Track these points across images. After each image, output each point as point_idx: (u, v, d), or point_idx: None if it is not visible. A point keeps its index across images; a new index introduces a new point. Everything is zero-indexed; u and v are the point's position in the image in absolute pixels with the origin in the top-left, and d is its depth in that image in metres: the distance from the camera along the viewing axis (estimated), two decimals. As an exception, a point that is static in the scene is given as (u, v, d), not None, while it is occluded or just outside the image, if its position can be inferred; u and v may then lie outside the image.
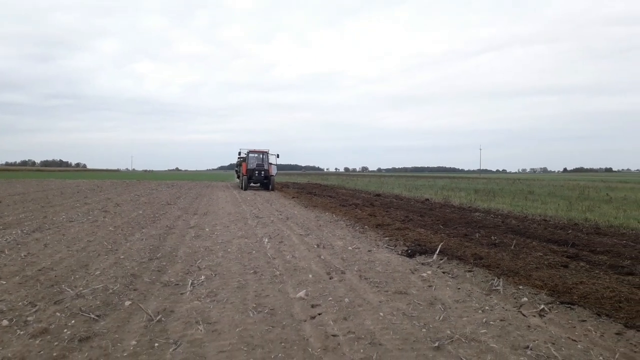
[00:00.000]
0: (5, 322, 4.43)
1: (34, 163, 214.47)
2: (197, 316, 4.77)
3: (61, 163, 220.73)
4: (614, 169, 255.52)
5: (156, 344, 4.02)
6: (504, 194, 26.69)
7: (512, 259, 7.71)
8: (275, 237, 10.03)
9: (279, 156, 32.96)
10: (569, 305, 5.22)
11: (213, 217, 13.84)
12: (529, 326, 4.61)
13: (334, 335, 4.28)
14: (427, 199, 23.01)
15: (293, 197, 23.42)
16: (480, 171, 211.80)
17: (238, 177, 36.90)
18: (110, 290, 5.59)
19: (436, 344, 4.06)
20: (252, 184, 32.01)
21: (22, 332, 4.20)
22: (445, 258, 7.82)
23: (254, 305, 5.13)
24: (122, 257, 7.64)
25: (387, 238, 10.18)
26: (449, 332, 4.39)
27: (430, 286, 6.10)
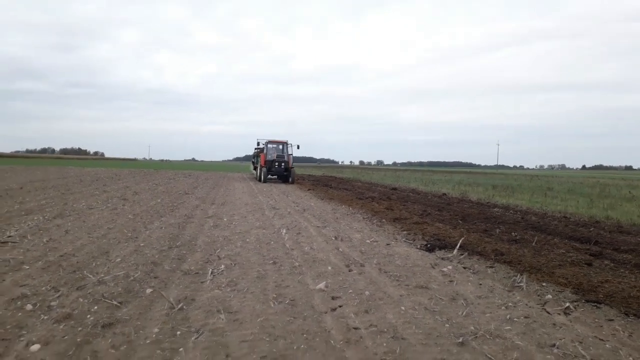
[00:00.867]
0: (29, 307, 4.48)
1: (53, 151, 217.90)
2: (218, 305, 4.77)
3: (80, 151, 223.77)
4: (634, 167, 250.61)
5: (178, 332, 4.02)
6: (523, 190, 26.35)
7: (533, 256, 7.58)
8: (292, 228, 10.01)
9: (300, 147, 31.26)
10: (595, 303, 5.11)
11: (230, 208, 13.88)
12: (554, 324, 4.51)
13: (355, 328, 4.24)
14: (444, 194, 22.82)
15: (309, 190, 23.39)
16: (497, 167, 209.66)
17: (255, 168, 35.64)
18: (132, 278, 5.62)
19: (460, 340, 4.00)
20: (270, 176, 30.15)
21: (46, 317, 4.24)
22: (466, 253, 7.72)
23: (275, 296, 5.12)
24: (142, 244, 7.69)
25: (405, 232, 10.09)
26: (472, 328, 4.32)
27: (451, 281, 6.02)
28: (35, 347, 3.59)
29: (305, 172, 55.21)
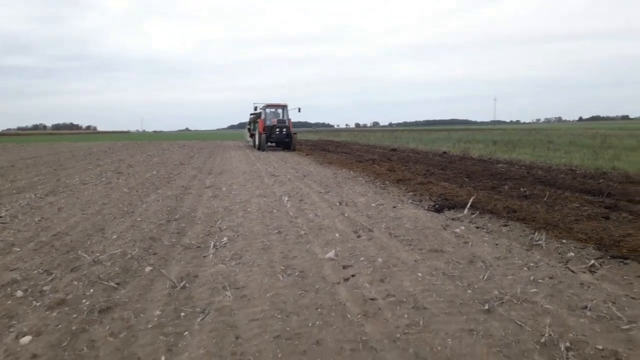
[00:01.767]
0: (19, 293, 4.16)
1: (45, 127, 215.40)
2: (224, 281, 4.46)
3: (72, 126, 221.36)
4: (631, 117, 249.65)
5: (182, 314, 3.73)
6: (524, 145, 25.97)
7: (547, 212, 7.29)
8: (294, 195, 9.68)
9: (301, 110, 29.81)
10: (621, 259, 4.83)
11: (228, 176, 13.52)
12: (581, 284, 4.24)
13: (372, 299, 3.95)
14: (444, 152, 22.46)
15: (307, 155, 22.98)
16: (494, 122, 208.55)
17: (251, 135, 32.86)
18: (129, 256, 5.30)
19: (486, 307, 3.72)
20: (270, 144, 27.75)
21: (38, 304, 3.93)
22: (477, 212, 7.42)
23: (282, 268, 4.81)
24: (138, 219, 7.35)
25: (410, 193, 9.77)
26: (496, 292, 4.04)
27: (465, 242, 5.73)
28: (26, 339, 3.29)
29: (302, 137, 54.56)
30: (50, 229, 6.72)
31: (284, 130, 26.58)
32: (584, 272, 4.59)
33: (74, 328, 3.48)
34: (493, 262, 4.92)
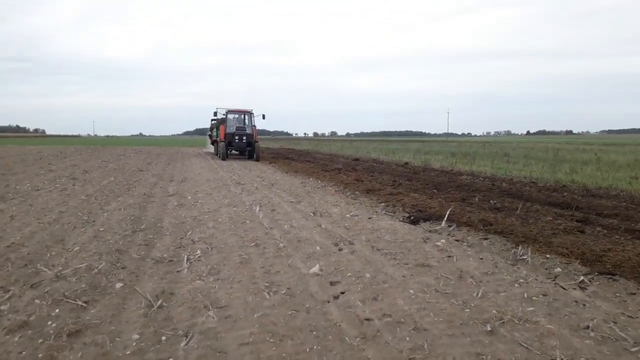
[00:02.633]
0: (-27, 315, 3.68)
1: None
2: (204, 299, 4.12)
3: (18, 129, 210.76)
4: (574, 132, 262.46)
5: (163, 337, 3.37)
6: (482, 157, 26.59)
7: (523, 225, 7.30)
8: (265, 204, 9.35)
9: (265, 117, 26.33)
10: (609, 275, 4.81)
11: (192, 184, 13.01)
12: (576, 301, 4.16)
13: (367, 320, 3.72)
14: (406, 163, 22.63)
15: (270, 163, 22.62)
16: (447, 135, 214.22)
17: (213, 142, 30.83)
18: (96, 270, 4.85)
19: (488, 327, 3.56)
20: (232, 152, 25.91)
21: (-5, 328, 3.47)
22: (454, 225, 7.35)
23: (266, 284, 4.51)
24: (101, 229, 6.84)
25: (383, 204, 9.65)
26: (494, 311, 3.90)
27: (449, 257, 5.60)
28: (-16, 372, 2.86)
29: (263, 145, 53.85)
30: (3, 239, 6.13)
31: (245, 137, 24.84)
32: (575, 288, 4.54)
33: (40, 355, 3.07)
34: (482, 278, 4.81)
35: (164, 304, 4.00)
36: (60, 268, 4.88)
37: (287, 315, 3.79)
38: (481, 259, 5.55)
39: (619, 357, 3.15)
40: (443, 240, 6.40)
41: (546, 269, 5.13)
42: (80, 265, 4.96)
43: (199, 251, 5.72)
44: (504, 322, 3.68)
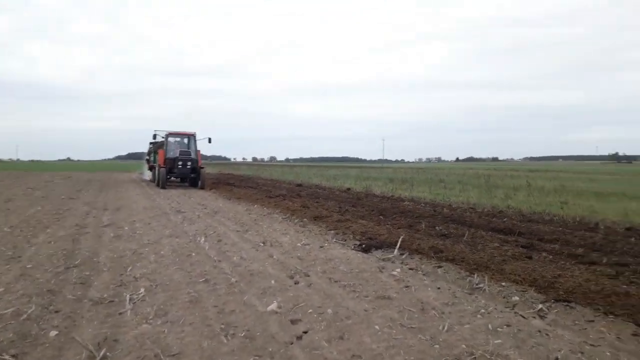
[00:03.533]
0: None
1: None
2: (153, 346, 3.71)
3: None
4: (499, 158, 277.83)
5: (110, 396, 2.95)
6: (420, 183, 27.28)
7: (472, 252, 7.37)
8: (210, 235, 8.91)
9: (211, 141, 24.20)
10: (565, 303, 4.88)
11: (128, 213, 12.25)
12: (539, 331, 4.14)
13: (336, 362, 3.48)
14: (349, 189, 22.74)
15: (211, 189, 21.95)
16: (382, 161, 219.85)
17: (150, 168, 28.03)
18: (25, 316, 4.29)
19: (462, 365, 3.43)
20: (173, 179, 23.44)
21: None
22: (407, 253, 7.31)
23: (222, 326, 4.16)
24: (29, 266, 6.17)
25: (332, 231, 9.50)
26: (463, 346, 3.78)
27: (407, 287, 5.50)
28: None
29: (199, 170, 52.65)
30: None
31: (189, 163, 22.16)
32: (534, 317, 4.55)
33: None
34: (444, 309, 4.71)
35: (107, 353, 3.56)
36: (-19, 315, 4.27)
37: (249, 361, 3.47)
38: (439, 288, 5.49)
39: (595, 392, 3.10)
40: (398, 270, 6.31)
41: (504, 298, 5.14)
42: (5, 311, 4.37)
43: (142, 289, 5.25)
44: (475, 357, 3.57)
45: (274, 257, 7.00)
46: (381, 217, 11.81)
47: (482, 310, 4.69)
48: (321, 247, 7.90)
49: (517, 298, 5.08)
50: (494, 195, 18.05)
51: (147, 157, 29.82)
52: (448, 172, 53.54)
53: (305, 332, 4.05)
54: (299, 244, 8.07)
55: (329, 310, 4.58)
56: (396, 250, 7.37)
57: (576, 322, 4.40)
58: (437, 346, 3.78)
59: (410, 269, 6.46)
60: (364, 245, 7.97)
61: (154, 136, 24.16)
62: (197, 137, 23.81)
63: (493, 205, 14.81)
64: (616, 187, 23.62)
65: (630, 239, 8.53)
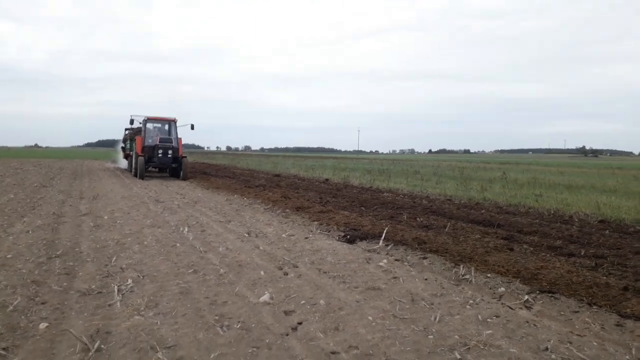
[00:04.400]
0: None
1: None
2: (148, 338, 3.67)
3: None
4: (471, 151, 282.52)
5: (109, 389, 2.92)
6: (396, 175, 27.53)
7: (455, 243, 7.50)
8: (193, 225, 8.82)
9: (194, 127, 22.80)
10: (550, 294, 5.02)
11: (105, 202, 12.02)
12: (527, 322, 4.26)
13: (334, 353, 3.51)
14: (327, 179, 22.77)
15: (188, 179, 21.67)
16: (357, 152, 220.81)
17: (126, 157, 26.20)
18: (11, 307, 4.18)
19: (456, 355, 3.50)
20: (151, 168, 22.04)
21: None
22: (391, 244, 7.39)
23: (216, 318, 4.14)
24: (9, 256, 6.01)
25: (316, 222, 9.52)
26: (456, 337, 3.86)
27: (395, 278, 5.57)
28: None
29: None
30: None
31: (170, 152, 20.45)
32: (521, 308, 4.66)
33: None
34: (434, 300, 4.80)
35: (102, 346, 3.51)
36: (-35, 307, 4.15)
37: (247, 353, 3.47)
38: (426, 279, 5.58)
39: (586, 380, 3.22)
40: (385, 261, 6.37)
41: (490, 289, 5.25)
42: (-10, 303, 4.25)
43: (129, 280, 5.17)
44: (469, 347, 3.65)
45: (260, 248, 6.99)
46: (362, 208, 11.89)
47: (471, 301, 4.79)
48: (306, 238, 7.91)
49: (503, 289, 5.20)
50: (470, 187, 18.34)
51: (123, 145, 27.71)
52: (422, 163, 54.16)
53: (299, 324, 4.07)
54: (283, 235, 8.06)
55: (322, 302, 4.60)
56: (381, 242, 7.44)
57: (562, 312, 4.54)
58: (431, 337, 3.85)
59: (396, 260, 6.53)
60: (348, 237, 8.02)
61: (131, 121, 22.32)
62: (178, 124, 22.35)
63: (469, 197, 15.04)
64: (585, 180, 24.34)
65: (605, 232, 8.82)
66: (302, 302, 4.60)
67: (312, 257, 6.47)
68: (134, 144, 22.17)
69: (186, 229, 8.26)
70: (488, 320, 4.28)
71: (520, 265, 6.06)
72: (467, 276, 5.64)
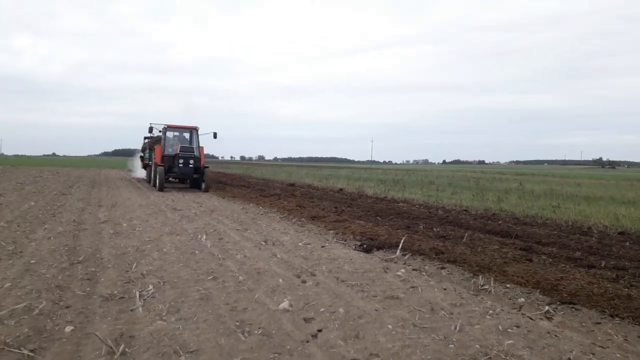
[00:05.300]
0: None
1: None
2: (171, 342, 3.72)
3: None
4: (486, 162, 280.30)
5: (135, 392, 2.96)
6: (411, 185, 27.45)
7: (473, 254, 7.47)
8: (210, 233, 8.90)
9: (216, 136, 21.01)
10: (571, 305, 4.98)
11: (124, 210, 12.18)
12: (548, 332, 4.23)
13: (355, 360, 3.52)
14: (341, 189, 22.80)
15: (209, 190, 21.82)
16: (370, 162, 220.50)
17: (145, 166, 25.13)
18: (37, 311, 4.27)
19: (478, 364, 3.49)
20: (171, 179, 20.64)
21: None
22: (409, 254, 7.38)
23: (237, 324, 4.18)
24: (32, 261, 6.12)
25: (332, 232, 9.54)
26: (477, 346, 3.85)
27: (413, 287, 5.56)
28: None
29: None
30: None
31: (191, 162, 18.94)
32: (542, 319, 4.63)
33: None
34: (453, 310, 4.78)
35: (126, 349, 3.56)
36: (-8, 310, 4.25)
37: (269, 359, 3.50)
38: (445, 289, 5.56)
39: (611, 391, 3.18)
40: (403, 270, 6.37)
41: (510, 299, 5.22)
42: (16, 306, 4.34)
43: (150, 286, 5.24)
44: (490, 357, 3.64)
45: (278, 256, 7.03)
46: (378, 217, 11.89)
47: (491, 311, 4.76)
48: (323, 246, 7.94)
49: (523, 299, 5.17)
50: (486, 198, 18.22)
51: (142, 154, 26.66)
52: (437, 174, 53.89)
53: (319, 331, 4.09)
54: (300, 244, 8.10)
55: (341, 310, 4.62)
56: (398, 251, 7.43)
57: (583, 324, 4.49)
58: (451, 346, 3.85)
59: (414, 269, 6.52)
60: (365, 246, 8.02)
61: (150, 129, 20.62)
62: (200, 132, 20.88)
63: (486, 208, 14.94)
64: (603, 191, 24.02)
65: (625, 243, 8.71)
66: (321, 309, 4.62)
67: (329, 266, 6.49)
68: (153, 153, 21.29)
69: (204, 237, 8.34)
70: (509, 330, 4.26)
71: (539, 276, 6.02)
72: (486, 286, 5.62)
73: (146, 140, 25.01)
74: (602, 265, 6.86)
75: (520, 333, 4.19)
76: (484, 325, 4.36)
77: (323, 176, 34.95)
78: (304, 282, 5.65)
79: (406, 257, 7.24)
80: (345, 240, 8.65)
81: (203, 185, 19.38)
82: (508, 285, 5.69)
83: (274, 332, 4.02)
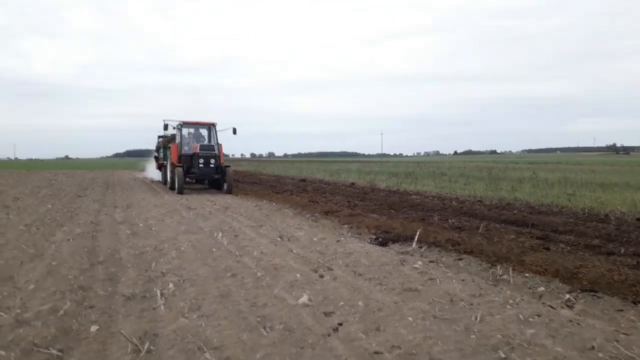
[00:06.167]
0: None
1: None
2: (194, 339, 3.77)
3: None
4: (498, 151, 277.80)
5: (163, 388, 3.01)
6: (423, 177, 27.35)
7: (490, 244, 7.44)
8: (226, 230, 8.97)
9: (236, 132, 18.99)
10: (592, 293, 4.95)
11: (139, 210, 12.31)
12: (570, 321, 4.20)
13: (377, 353, 3.54)
14: (353, 183, 22.79)
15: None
16: (381, 155, 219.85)
17: (160, 167, 23.68)
18: (62, 312, 4.34)
19: (502, 355, 3.49)
20: (189, 180, 18.85)
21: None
22: (425, 246, 7.37)
23: (258, 319, 4.22)
24: (54, 263, 6.22)
25: (346, 226, 9.56)
26: (499, 336, 3.84)
27: (431, 279, 5.56)
28: None
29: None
30: (-61, 280, 5.39)
31: (212, 161, 17.35)
32: (563, 307, 4.61)
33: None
34: (472, 301, 4.77)
35: (151, 347, 3.62)
36: (19, 311, 4.33)
37: (292, 353, 3.53)
38: (463, 280, 5.55)
39: (636, 378, 3.17)
40: (420, 262, 6.37)
41: (529, 288, 5.20)
42: (42, 307, 4.42)
43: (171, 285, 5.30)
44: (513, 347, 3.63)
45: (294, 251, 7.07)
46: (392, 210, 11.88)
47: (510, 301, 4.75)
48: (338, 241, 7.96)
49: (542, 288, 5.14)
50: (500, 187, 18.07)
51: (156, 154, 25.20)
52: (449, 165, 53.60)
53: (340, 324, 4.11)
54: (315, 239, 8.13)
55: (360, 303, 4.64)
56: (414, 244, 7.43)
57: (605, 311, 4.46)
58: (473, 336, 3.85)
59: (430, 261, 6.52)
60: (380, 239, 8.03)
61: (165, 126, 18.47)
62: (218, 128, 19.16)
63: (500, 198, 14.85)
64: (618, 177, 23.72)
65: (644, 230, 8.61)
66: (341, 303, 4.64)
67: (345, 260, 6.51)
68: (168, 152, 19.66)
69: (220, 234, 8.41)
70: (530, 319, 4.24)
71: (558, 265, 5.97)
72: (505, 276, 5.60)
73: (160, 139, 23.84)
74: (622, 252, 6.80)
75: (541, 322, 4.17)
76: (504, 315, 4.35)
77: (334, 171, 34.94)
78: (321, 276, 5.67)
79: (422, 249, 7.24)
80: (360, 234, 8.66)
81: (225, 186, 17.78)
82: (527, 275, 5.66)
83: (295, 326, 4.05)
